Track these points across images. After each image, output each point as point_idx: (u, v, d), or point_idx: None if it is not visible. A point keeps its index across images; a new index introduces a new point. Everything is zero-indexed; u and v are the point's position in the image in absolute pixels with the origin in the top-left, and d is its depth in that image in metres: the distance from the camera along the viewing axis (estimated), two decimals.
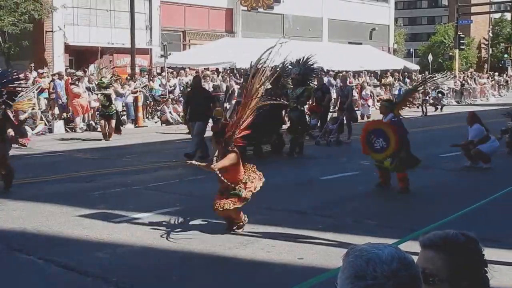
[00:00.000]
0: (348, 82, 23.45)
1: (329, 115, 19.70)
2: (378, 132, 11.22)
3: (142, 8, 33.59)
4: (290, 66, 16.45)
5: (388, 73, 38.24)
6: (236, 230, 8.29)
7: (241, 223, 8.33)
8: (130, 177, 12.75)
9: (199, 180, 11.67)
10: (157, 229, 8.51)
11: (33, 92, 19.70)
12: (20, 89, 12.41)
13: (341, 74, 27.83)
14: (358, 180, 12.39)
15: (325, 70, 31.63)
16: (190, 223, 8.32)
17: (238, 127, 8.42)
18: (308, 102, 19.11)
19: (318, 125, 19.37)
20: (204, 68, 30.39)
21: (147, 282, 6.66)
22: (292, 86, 16.38)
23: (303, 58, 16.63)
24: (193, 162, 8.73)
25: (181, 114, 21.87)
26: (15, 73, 12.50)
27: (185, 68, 30.04)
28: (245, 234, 8.17)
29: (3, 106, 11.49)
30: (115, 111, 20.01)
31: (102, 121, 19.92)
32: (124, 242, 7.92)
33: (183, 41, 37.08)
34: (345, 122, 18.89)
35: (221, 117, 16.06)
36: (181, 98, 24.66)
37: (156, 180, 12.42)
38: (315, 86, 18.74)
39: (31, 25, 27.41)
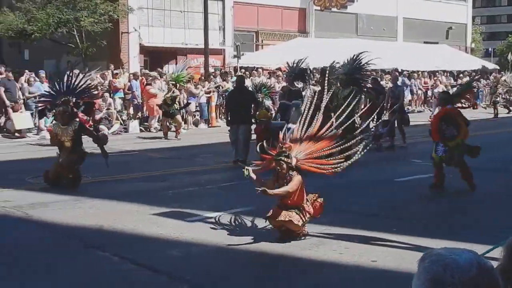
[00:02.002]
0: (401, 81, 21.67)
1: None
2: (449, 119, 11.08)
3: (215, 9, 33.96)
4: (338, 66, 15.25)
5: (466, 72, 37.27)
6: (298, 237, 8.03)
7: (302, 233, 8.03)
8: (203, 177, 12.87)
9: None
10: (230, 228, 8.56)
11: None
12: (95, 98, 12.52)
13: (391, 73, 26.46)
14: None
15: (400, 70, 31.16)
16: (263, 223, 8.31)
17: (308, 152, 8.12)
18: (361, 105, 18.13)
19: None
20: (276, 69, 30.43)
21: (220, 282, 6.69)
22: (340, 87, 14.87)
23: (353, 56, 15.23)
24: (251, 173, 7.99)
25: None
26: (77, 76, 12.59)
27: (257, 68, 30.16)
28: (317, 235, 8.11)
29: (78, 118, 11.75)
30: (177, 109, 20.73)
31: (165, 120, 20.41)
32: (197, 241, 7.97)
33: (256, 41, 37.27)
34: (396, 125, 17.42)
35: (265, 119, 14.85)
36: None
37: (229, 180, 12.50)
38: (367, 88, 17.88)
39: (110, 24, 27.92)
